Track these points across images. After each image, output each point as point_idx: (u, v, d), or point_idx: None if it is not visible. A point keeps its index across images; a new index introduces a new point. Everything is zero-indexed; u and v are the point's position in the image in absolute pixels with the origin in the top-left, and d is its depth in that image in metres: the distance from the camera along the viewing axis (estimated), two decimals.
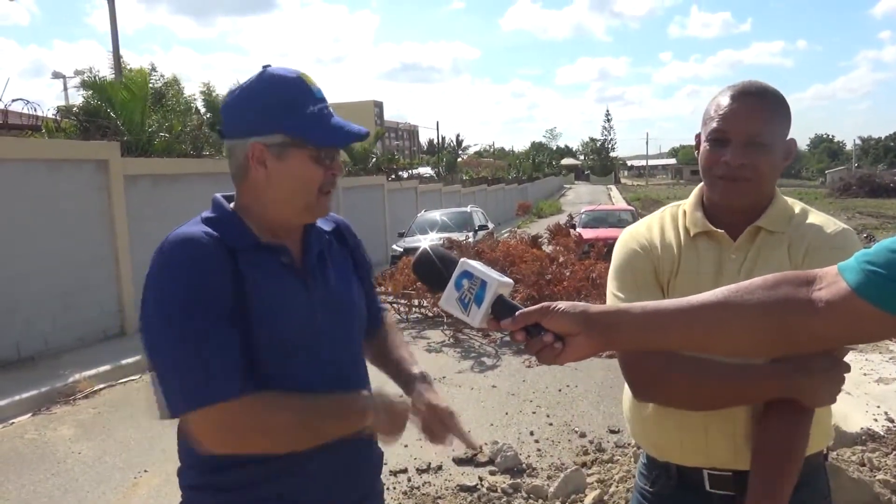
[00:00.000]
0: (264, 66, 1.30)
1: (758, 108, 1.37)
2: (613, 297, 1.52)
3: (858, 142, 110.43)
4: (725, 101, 1.40)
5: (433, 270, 1.12)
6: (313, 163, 1.27)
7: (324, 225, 1.43)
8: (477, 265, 1.07)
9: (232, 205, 1.33)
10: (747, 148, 1.36)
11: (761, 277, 0.96)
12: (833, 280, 0.90)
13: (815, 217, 1.47)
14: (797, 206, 1.49)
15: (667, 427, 1.45)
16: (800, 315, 0.91)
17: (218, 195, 1.36)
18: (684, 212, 1.52)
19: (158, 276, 1.21)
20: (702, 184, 1.52)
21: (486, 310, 1.04)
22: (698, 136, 1.47)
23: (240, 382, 1.16)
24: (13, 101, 8.27)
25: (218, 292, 1.19)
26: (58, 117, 10.38)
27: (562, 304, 1.00)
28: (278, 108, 1.25)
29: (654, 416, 1.48)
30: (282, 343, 1.26)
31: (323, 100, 1.29)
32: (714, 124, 1.39)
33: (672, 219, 1.53)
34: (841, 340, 1.07)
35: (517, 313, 1.02)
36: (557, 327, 0.99)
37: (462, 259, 1.09)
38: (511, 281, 1.09)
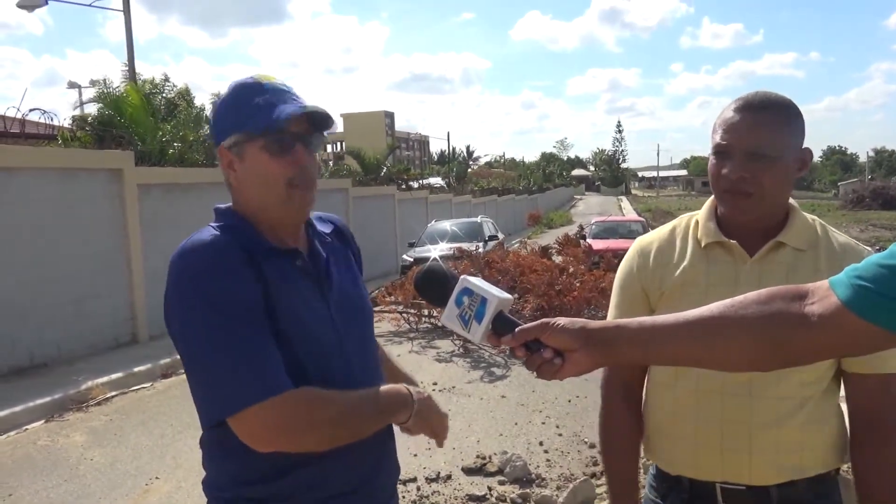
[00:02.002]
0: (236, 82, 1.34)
1: (760, 119, 1.36)
2: (611, 309, 1.59)
3: (872, 153, 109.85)
4: (729, 113, 1.40)
5: (434, 287, 1.14)
6: (267, 154, 1.26)
7: (322, 227, 1.44)
8: (477, 282, 1.08)
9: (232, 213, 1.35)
10: (748, 161, 1.35)
11: (755, 292, 0.97)
12: (825, 294, 0.92)
13: (840, 236, 1.47)
14: (817, 222, 1.48)
15: (681, 441, 1.45)
16: (793, 329, 0.92)
17: (220, 205, 1.37)
18: (696, 222, 1.51)
19: (185, 284, 1.20)
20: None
21: (487, 326, 1.05)
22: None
23: (285, 378, 1.17)
24: (30, 110, 8.38)
25: (249, 294, 1.19)
26: (73, 127, 10.51)
27: (561, 320, 1.02)
28: (231, 110, 1.30)
29: (669, 430, 1.48)
30: (308, 344, 1.27)
31: (274, 90, 1.28)
32: (717, 137, 1.40)
33: (684, 229, 1.53)
34: (833, 354, 1.09)
35: (517, 329, 1.03)
36: (557, 343, 1.00)
37: (462, 276, 1.10)
38: (510, 297, 1.10)
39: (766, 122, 1.36)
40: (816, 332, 0.91)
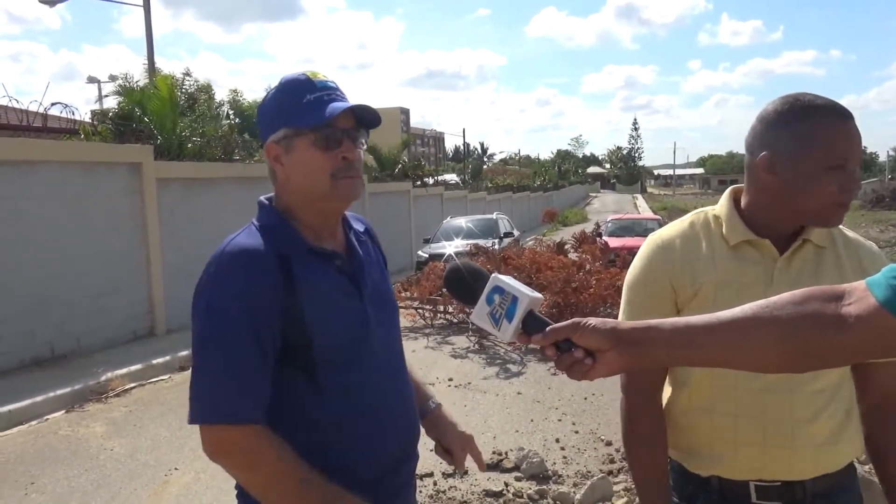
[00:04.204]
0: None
1: (856, 128, 1.36)
2: (624, 307, 1.52)
3: (892, 153, 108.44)
4: (834, 123, 1.34)
5: (464, 285, 1.13)
6: (315, 148, 1.30)
7: (357, 225, 1.48)
8: (508, 280, 1.08)
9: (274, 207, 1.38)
10: (856, 171, 1.36)
11: (790, 293, 0.96)
12: (862, 295, 0.91)
13: (848, 231, 1.47)
14: None
15: (720, 442, 1.43)
16: (829, 331, 0.91)
17: (263, 198, 1.40)
18: (716, 218, 1.48)
19: (212, 286, 1.26)
20: (730, 190, 1.50)
21: (517, 325, 1.05)
22: (770, 158, 1.37)
23: (261, 410, 1.23)
24: (52, 104, 8.44)
25: (265, 312, 1.23)
26: (94, 121, 10.61)
27: (592, 321, 1.01)
28: (282, 105, 1.34)
29: (705, 431, 1.45)
30: (337, 342, 1.30)
31: (326, 88, 1.33)
32: (829, 150, 1.33)
33: (704, 225, 1.48)
34: (870, 355, 1.07)
35: (548, 329, 1.02)
36: (588, 343, 1.00)
37: (493, 274, 1.10)
38: (541, 296, 1.09)
39: (857, 130, 1.37)
40: (853, 334, 0.90)
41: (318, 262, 1.32)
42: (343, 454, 1.30)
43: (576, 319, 1.02)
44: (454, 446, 1.53)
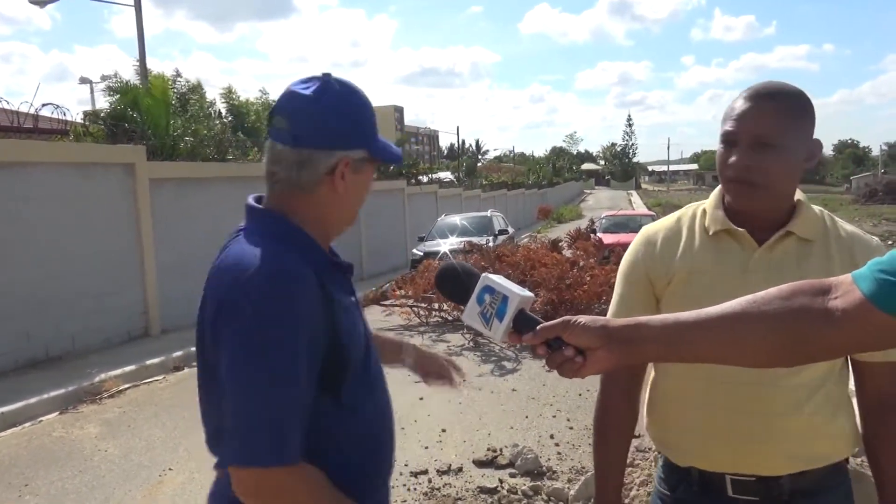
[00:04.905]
0: (326, 75, 1.28)
1: (767, 108, 1.35)
2: (615, 298, 1.58)
3: (885, 147, 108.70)
4: (738, 101, 1.39)
5: (455, 285, 1.13)
6: (369, 179, 1.32)
7: None
8: (498, 279, 1.08)
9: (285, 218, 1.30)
10: (754, 149, 1.35)
11: (777, 287, 0.96)
12: (848, 289, 0.90)
13: (846, 225, 1.46)
14: (824, 213, 1.47)
15: (692, 432, 1.45)
16: (817, 325, 0.91)
17: (255, 202, 1.31)
18: (704, 210, 1.51)
19: (262, 310, 1.13)
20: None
21: (508, 324, 1.05)
22: None
23: (297, 449, 1.14)
24: (43, 105, 8.38)
25: (314, 341, 1.16)
26: (86, 122, 10.55)
27: (582, 319, 1.01)
28: (366, 124, 1.28)
29: (679, 422, 1.48)
30: (359, 357, 1.27)
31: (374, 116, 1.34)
32: (725, 125, 1.39)
33: (691, 218, 1.52)
34: (857, 349, 1.07)
35: (539, 327, 1.03)
36: (578, 341, 1.00)
37: (484, 274, 1.10)
38: (532, 295, 1.09)
39: (773, 111, 1.35)
40: (840, 328, 0.90)
41: (339, 276, 1.30)
42: (362, 471, 1.28)
43: (566, 318, 1.02)
44: (443, 367, 1.69)
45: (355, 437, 1.27)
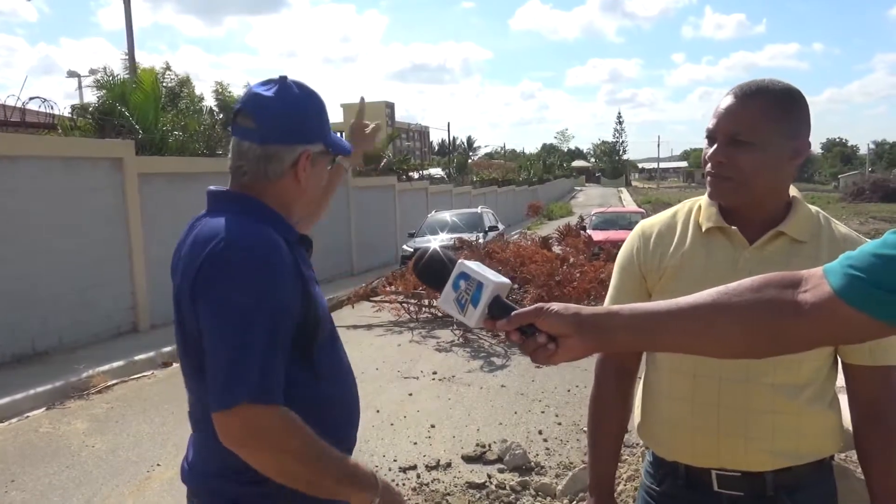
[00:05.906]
0: (283, 77, 1.40)
1: (746, 105, 1.36)
2: (609, 291, 1.62)
3: (872, 146, 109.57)
4: (723, 99, 1.41)
5: (431, 271, 1.14)
6: (325, 170, 1.46)
7: None
8: (474, 266, 1.09)
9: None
10: (728, 146, 1.36)
11: (750, 279, 0.96)
12: (818, 283, 0.91)
13: (841, 227, 1.46)
14: (820, 214, 1.47)
15: (678, 427, 1.46)
16: (785, 317, 0.91)
17: (216, 189, 1.41)
18: (699, 207, 1.52)
19: (243, 272, 1.22)
20: None
21: (483, 310, 1.05)
22: None
23: (280, 393, 1.21)
24: (30, 99, 8.35)
25: (289, 308, 1.26)
26: (73, 115, 10.48)
27: (555, 306, 1.01)
28: (323, 120, 1.42)
29: (666, 416, 1.49)
30: (330, 328, 1.41)
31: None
32: (709, 122, 1.42)
33: (686, 213, 1.53)
34: (826, 342, 1.07)
35: (512, 314, 1.03)
36: (550, 328, 1.00)
37: (459, 260, 1.10)
38: (508, 281, 1.10)
39: (751, 107, 1.35)
40: (809, 321, 0.90)
41: (302, 250, 1.41)
42: (335, 433, 1.34)
43: (539, 305, 1.03)
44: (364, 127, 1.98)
45: (329, 401, 1.37)
